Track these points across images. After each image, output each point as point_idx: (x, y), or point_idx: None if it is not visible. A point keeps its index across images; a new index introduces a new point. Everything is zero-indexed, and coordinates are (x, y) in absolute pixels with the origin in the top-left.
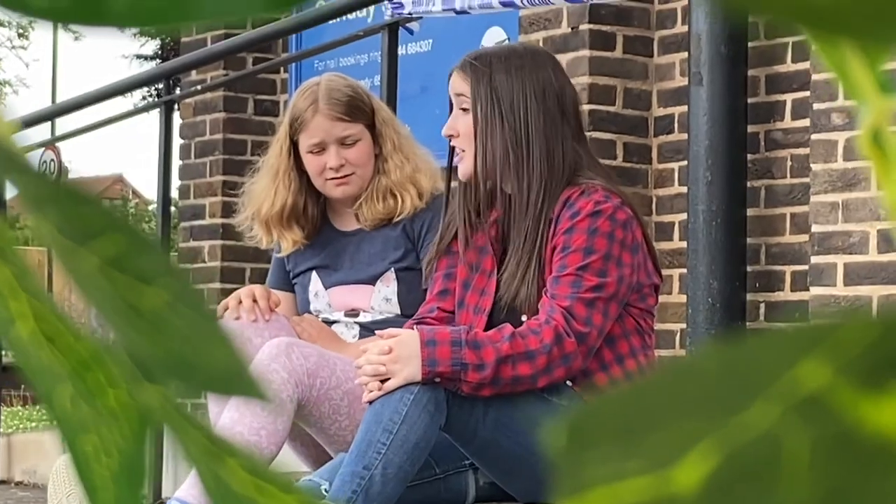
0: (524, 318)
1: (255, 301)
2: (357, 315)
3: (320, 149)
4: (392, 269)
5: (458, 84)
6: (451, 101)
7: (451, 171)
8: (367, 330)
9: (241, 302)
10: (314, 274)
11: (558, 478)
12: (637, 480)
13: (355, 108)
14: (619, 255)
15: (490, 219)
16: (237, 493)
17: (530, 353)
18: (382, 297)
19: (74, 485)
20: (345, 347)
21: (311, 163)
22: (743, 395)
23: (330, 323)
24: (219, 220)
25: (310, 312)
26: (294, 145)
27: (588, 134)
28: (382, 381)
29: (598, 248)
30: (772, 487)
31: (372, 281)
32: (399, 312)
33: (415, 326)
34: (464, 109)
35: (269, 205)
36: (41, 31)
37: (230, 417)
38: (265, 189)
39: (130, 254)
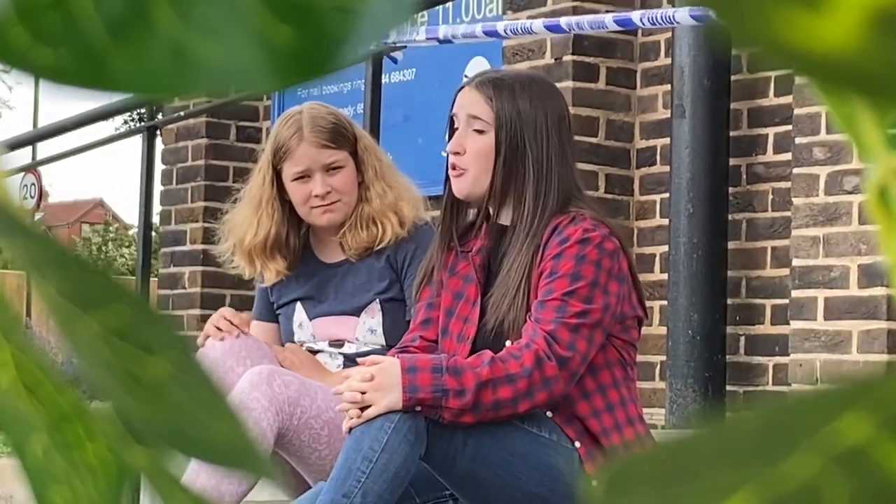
0: (509, 342)
1: (229, 322)
2: (342, 345)
3: (305, 177)
4: (377, 300)
5: (475, 104)
6: (451, 120)
7: (447, 192)
8: (352, 361)
9: (218, 328)
10: (298, 305)
11: None
12: None
13: (339, 135)
14: (606, 284)
15: (475, 247)
16: None
17: (511, 376)
18: (367, 328)
19: None
20: (328, 376)
21: (295, 191)
22: (783, 446)
23: (314, 352)
24: (199, 246)
25: (293, 342)
26: (277, 174)
27: None
28: (363, 409)
29: (585, 274)
30: None
31: (357, 312)
32: (384, 343)
33: (397, 355)
34: (477, 130)
35: (251, 235)
36: None
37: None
38: (247, 219)
39: (135, 324)
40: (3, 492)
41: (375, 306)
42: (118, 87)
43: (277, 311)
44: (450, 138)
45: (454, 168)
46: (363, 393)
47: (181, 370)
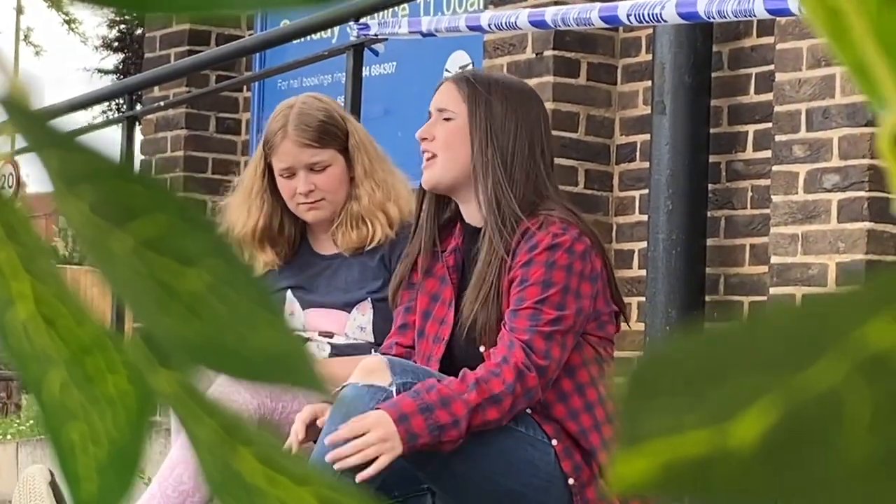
0: (482, 348)
1: None
2: (331, 337)
3: (290, 174)
4: (369, 298)
5: (448, 97)
6: (430, 115)
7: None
8: (340, 352)
9: None
10: (290, 294)
11: (618, 427)
12: (695, 434)
13: (325, 134)
14: (578, 288)
15: (449, 247)
16: (246, 483)
17: (495, 396)
18: (357, 325)
19: (42, 497)
20: (322, 366)
21: (283, 186)
22: (809, 351)
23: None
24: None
25: None
26: (269, 166)
27: None
28: (360, 464)
29: (556, 280)
30: (830, 446)
31: (347, 308)
32: (372, 341)
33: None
34: (447, 119)
35: (241, 224)
36: (2, 44)
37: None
38: (238, 207)
39: (173, 233)
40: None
41: (367, 304)
42: (158, 7)
43: None
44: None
45: (425, 155)
46: (361, 448)
47: (223, 281)
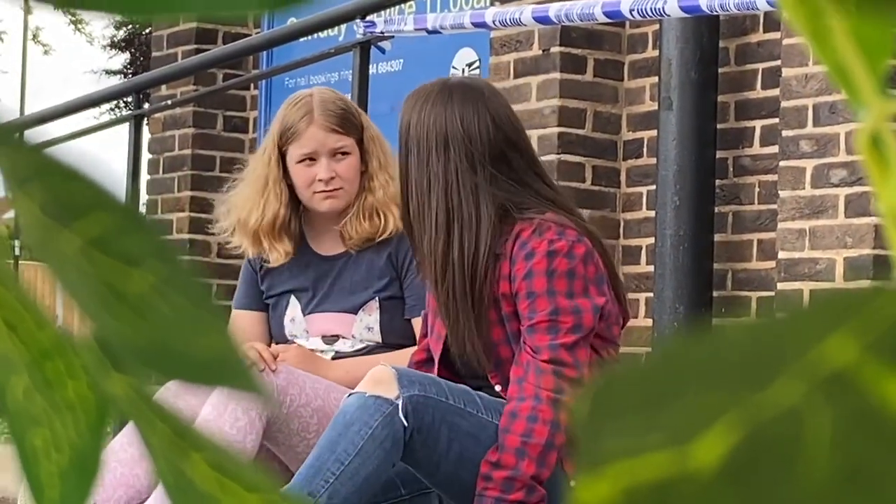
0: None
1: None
2: (336, 340)
3: (311, 159)
4: (376, 298)
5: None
6: None
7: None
8: (342, 358)
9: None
10: (292, 298)
11: (579, 449)
12: (656, 455)
13: (347, 122)
14: (585, 290)
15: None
16: (198, 490)
17: (547, 443)
18: (364, 325)
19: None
20: (328, 369)
21: (299, 174)
22: (768, 370)
23: None
24: (186, 236)
25: (284, 335)
26: (282, 156)
27: (557, 156)
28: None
29: (560, 289)
30: (792, 466)
31: (354, 310)
32: (380, 341)
33: None
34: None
35: (257, 215)
36: (10, 43)
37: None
38: (251, 199)
39: (117, 233)
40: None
41: (374, 304)
42: (110, 7)
43: (266, 300)
44: None
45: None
46: None
47: (167, 282)
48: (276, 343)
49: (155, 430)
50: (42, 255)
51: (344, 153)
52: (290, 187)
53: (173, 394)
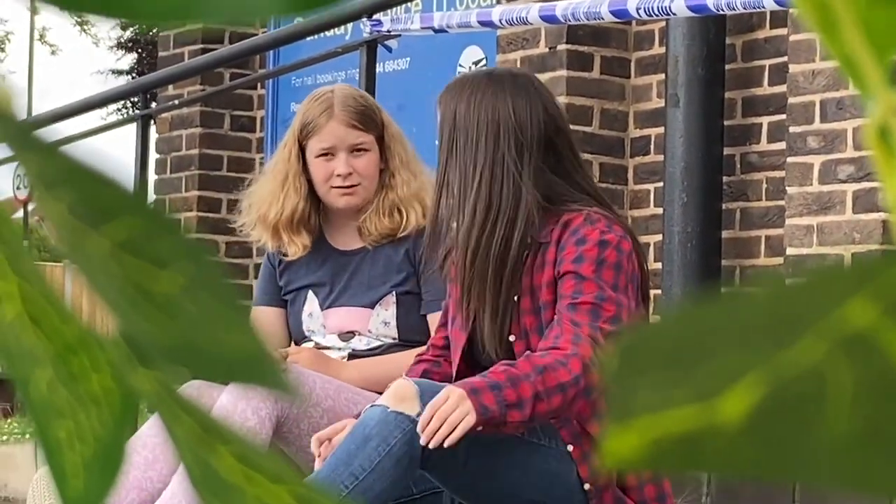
0: (512, 337)
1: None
2: (352, 337)
3: (330, 154)
4: (393, 292)
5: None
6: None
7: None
8: (357, 357)
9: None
10: (310, 293)
11: (608, 402)
12: (683, 409)
13: (368, 118)
14: (626, 286)
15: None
16: (225, 481)
17: (562, 385)
18: (381, 320)
19: (54, 498)
20: (341, 370)
21: (318, 168)
22: (791, 330)
23: (321, 348)
24: (194, 235)
25: (301, 331)
26: (302, 151)
27: None
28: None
29: (608, 279)
30: (814, 421)
31: (371, 305)
32: (397, 336)
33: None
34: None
35: (277, 209)
36: (18, 44)
37: None
38: (272, 193)
39: (146, 236)
40: None
41: (391, 298)
42: (126, 12)
43: (284, 296)
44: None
45: None
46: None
47: (195, 283)
48: (294, 339)
49: (181, 423)
50: (70, 256)
51: (363, 149)
52: (310, 182)
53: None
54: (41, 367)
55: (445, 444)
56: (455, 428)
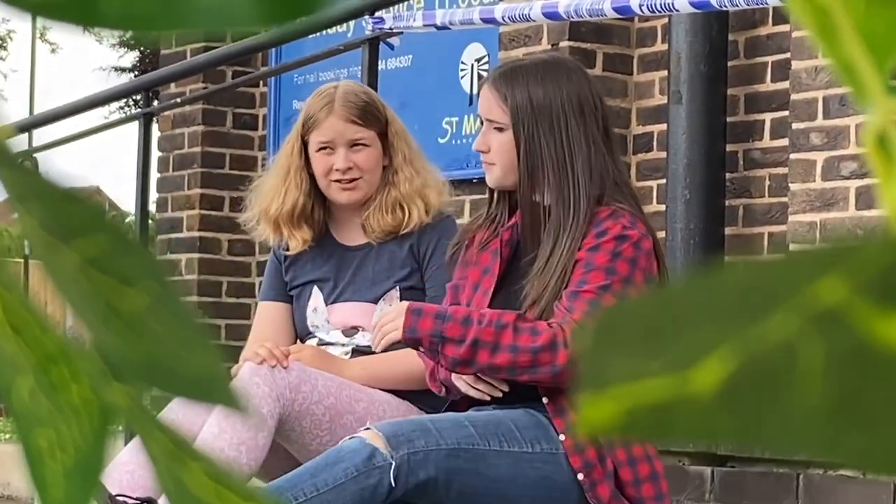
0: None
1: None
2: (356, 333)
3: (329, 148)
4: (397, 287)
5: (491, 105)
6: (480, 119)
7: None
8: (361, 353)
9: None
10: (315, 288)
11: (581, 373)
12: (657, 380)
13: (369, 114)
14: (639, 283)
15: (509, 223)
16: (196, 497)
17: (514, 346)
18: None
19: None
20: (343, 367)
21: (318, 162)
22: (763, 306)
23: (325, 344)
24: (196, 234)
25: (306, 326)
26: (304, 146)
27: None
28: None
29: (619, 270)
30: (786, 393)
31: (375, 300)
32: None
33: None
34: (497, 129)
35: (278, 203)
36: (19, 42)
37: (210, 433)
38: (274, 188)
39: (113, 254)
40: (0, 478)
41: (394, 294)
42: (109, 24)
43: (290, 291)
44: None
45: (484, 162)
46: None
47: (158, 302)
48: (299, 335)
49: (154, 438)
50: (45, 267)
51: (362, 144)
52: (313, 177)
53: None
54: (23, 375)
55: (376, 350)
56: (384, 337)
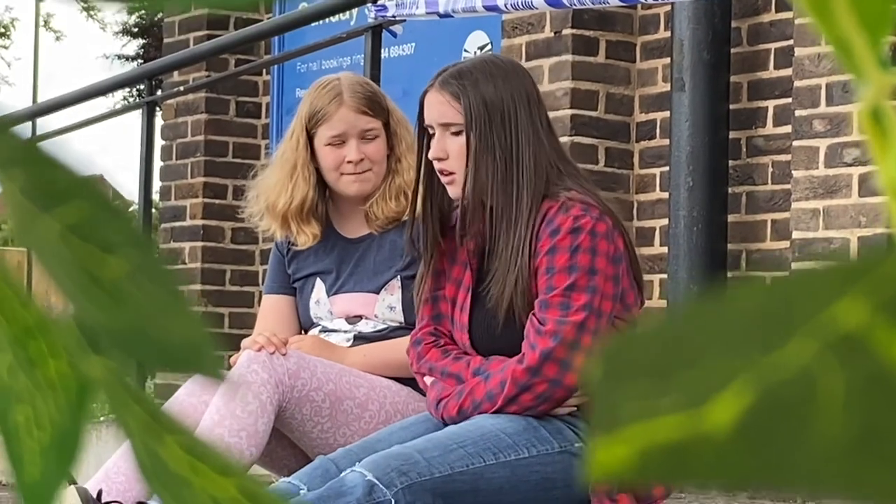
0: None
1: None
2: (359, 320)
3: (340, 141)
4: (398, 276)
5: (445, 108)
6: (422, 125)
7: (425, 191)
8: (364, 339)
9: (260, 346)
10: (318, 280)
11: (594, 412)
12: (671, 418)
13: (376, 104)
14: (604, 269)
15: (471, 231)
16: (171, 472)
17: (490, 393)
18: (387, 305)
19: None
20: (345, 356)
21: (327, 156)
22: (779, 332)
23: (328, 331)
24: (199, 222)
25: (309, 318)
26: (310, 139)
27: (570, 138)
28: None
29: (581, 264)
30: (806, 426)
31: (377, 290)
32: (402, 321)
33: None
34: (454, 133)
35: (286, 198)
36: (23, 30)
37: (211, 419)
38: (280, 183)
39: (94, 221)
40: (2, 466)
41: (396, 283)
42: None
43: (293, 284)
44: (419, 146)
45: (443, 174)
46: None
47: (140, 269)
48: (304, 327)
49: (131, 412)
50: (23, 238)
51: (373, 135)
52: (318, 171)
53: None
54: (1, 350)
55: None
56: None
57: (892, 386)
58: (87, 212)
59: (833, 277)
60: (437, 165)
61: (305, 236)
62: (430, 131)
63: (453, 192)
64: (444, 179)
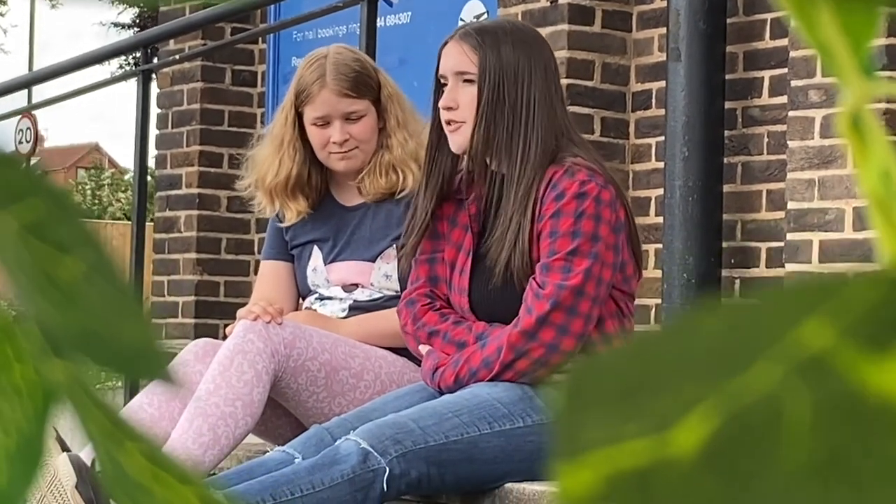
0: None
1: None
2: (355, 289)
3: (324, 122)
4: (393, 246)
5: (461, 57)
6: (437, 76)
7: (433, 149)
8: (360, 308)
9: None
10: (315, 248)
11: (557, 439)
12: (635, 443)
13: (362, 84)
14: (606, 237)
15: (471, 195)
16: (132, 479)
17: (486, 360)
18: (383, 273)
19: (46, 490)
20: (339, 327)
21: (314, 135)
22: (744, 355)
23: (324, 299)
24: (195, 190)
25: (307, 286)
26: (299, 116)
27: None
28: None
29: (585, 230)
30: (772, 450)
31: (373, 258)
32: (398, 289)
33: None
34: (467, 81)
35: (273, 174)
36: None
37: (206, 388)
38: (269, 158)
39: (50, 220)
40: None
41: (391, 251)
42: None
43: (291, 251)
44: (436, 98)
45: (449, 124)
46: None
47: (94, 271)
48: (301, 294)
49: (92, 417)
50: None
51: (357, 116)
52: (309, 145)
53: (193, 354)
54: None
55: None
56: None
57: (859, 408)
58: (43, 210)
59: (798, 300)
60: (445, 116)
61: (291, 212)
62: (443, 81)
63: (458, 142)
64: (449, 129)
